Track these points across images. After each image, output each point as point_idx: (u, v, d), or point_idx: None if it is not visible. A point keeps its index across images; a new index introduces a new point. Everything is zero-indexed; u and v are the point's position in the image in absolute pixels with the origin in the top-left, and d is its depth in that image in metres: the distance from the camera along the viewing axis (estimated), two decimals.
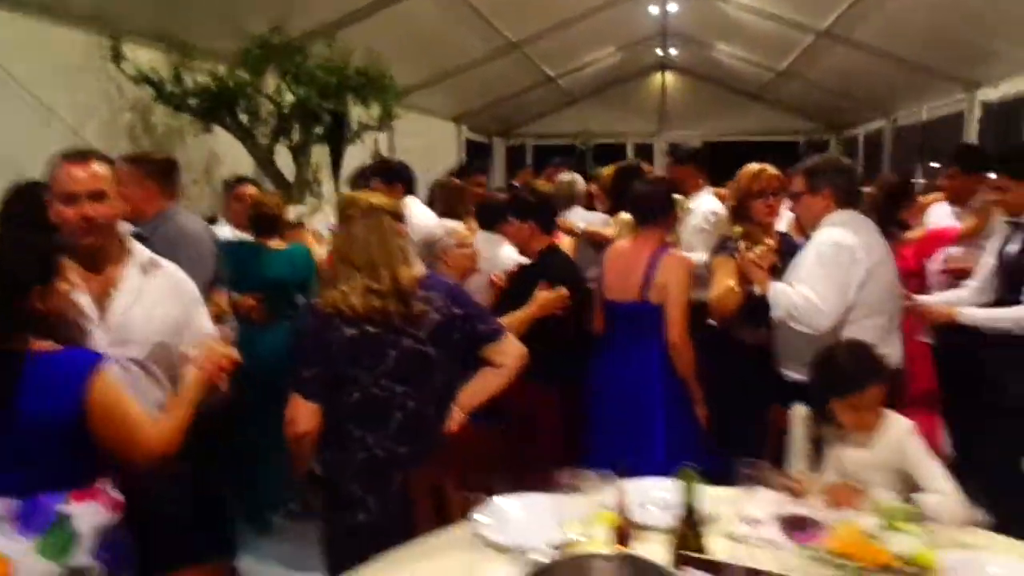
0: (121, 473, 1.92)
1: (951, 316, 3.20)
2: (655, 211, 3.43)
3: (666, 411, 3.25)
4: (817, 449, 2.36)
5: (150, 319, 2.19)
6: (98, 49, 5.00)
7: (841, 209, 2.96)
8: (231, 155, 5.94)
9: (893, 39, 7.46)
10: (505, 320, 2.72)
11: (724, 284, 3.13)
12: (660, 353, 3.25)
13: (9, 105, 4.47)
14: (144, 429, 1.92)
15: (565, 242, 4.24)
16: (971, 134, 7.55)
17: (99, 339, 2.14)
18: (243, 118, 5.50)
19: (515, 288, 3.36)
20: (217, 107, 5.40)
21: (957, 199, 4.18)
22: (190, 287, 2.36)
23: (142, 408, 1.96)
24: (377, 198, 2.39)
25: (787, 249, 3.21)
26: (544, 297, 3.14)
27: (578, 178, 5.48)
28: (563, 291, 3.19)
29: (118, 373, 1.97)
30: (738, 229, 3.32)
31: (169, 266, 2.34)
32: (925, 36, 7.09)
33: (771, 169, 3.34)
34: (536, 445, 2.88)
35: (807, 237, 3.10)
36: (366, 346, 2.19)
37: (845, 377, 2.31)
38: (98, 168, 2.13)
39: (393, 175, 4.81)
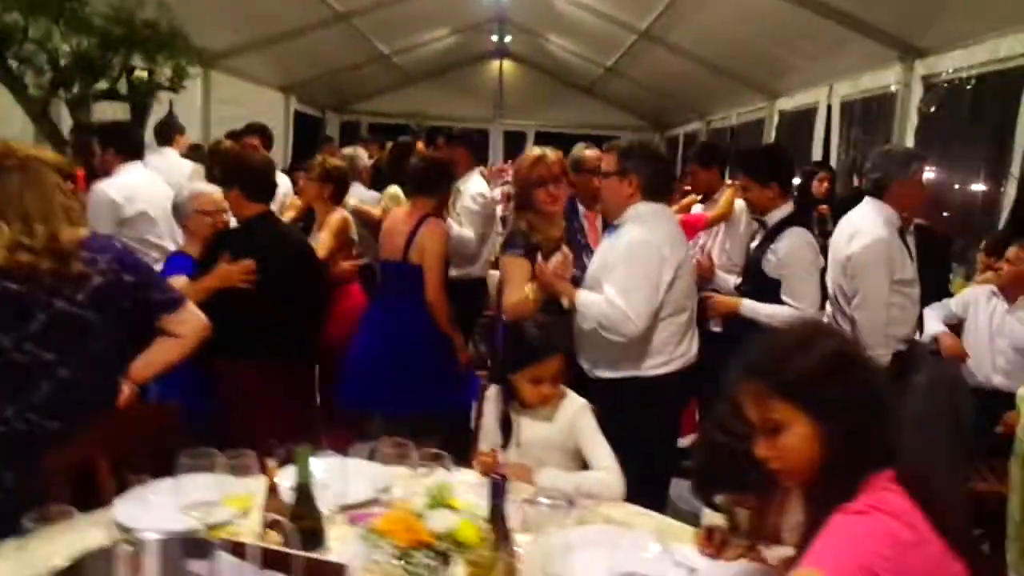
0: None
1: (735, 307, 3.30)
2: (425, 184, 3.69)
3: (427, 357, 3.57)
4: (506, 427, 2.35)
5: None
6: None
7: (646, 200, 2.84)
8: (6, 108, 5.33)
9: (705, 46, 7.88)
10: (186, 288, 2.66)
11: (519, 292, 2.93)
12: (419, 307, 3.56)
13: None
14: None
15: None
16: (770, 137, 8.15)
17: None
18: (12, 64, 4.93)
19: (208, 255, 3.21)
20: None
21: (702, 192, 4.45)
22: None
23: None
24: (41, 152, 2.16)
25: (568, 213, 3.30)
26: (224, 269, 3.02)
27: (361, 153, 5.53)
28: (247, 263, 3.02)
29: None
30: (522, 224, 3.13)
31: None
32: (733, 46, 7.54)
33: (552, 154, 3.22)
34: (241, 426, 2.73)
35: (607, 223, 3.06)
36: (8, 306, 1.96)
37: (525, 349, 2.31)
38: None
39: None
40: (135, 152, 4.07)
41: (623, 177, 2.83)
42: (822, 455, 1.32)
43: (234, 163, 3.62)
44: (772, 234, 3.29)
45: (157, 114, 5.93)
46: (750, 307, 3.28)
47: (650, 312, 2.71)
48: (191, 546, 1.45)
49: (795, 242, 3.21)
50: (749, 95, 8.61)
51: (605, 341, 2.75)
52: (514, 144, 12.65)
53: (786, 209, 3.34)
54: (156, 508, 1.76)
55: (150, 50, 5.14)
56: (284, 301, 3.08)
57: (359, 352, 3.68)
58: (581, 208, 3.74)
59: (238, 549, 1.45)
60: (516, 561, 1.55)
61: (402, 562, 1.52)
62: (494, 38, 11.50)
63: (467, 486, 1.84)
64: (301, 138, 10.71)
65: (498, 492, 1.55)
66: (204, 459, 1.69)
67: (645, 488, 2.23)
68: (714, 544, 1.66)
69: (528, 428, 2.34)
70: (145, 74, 5.39)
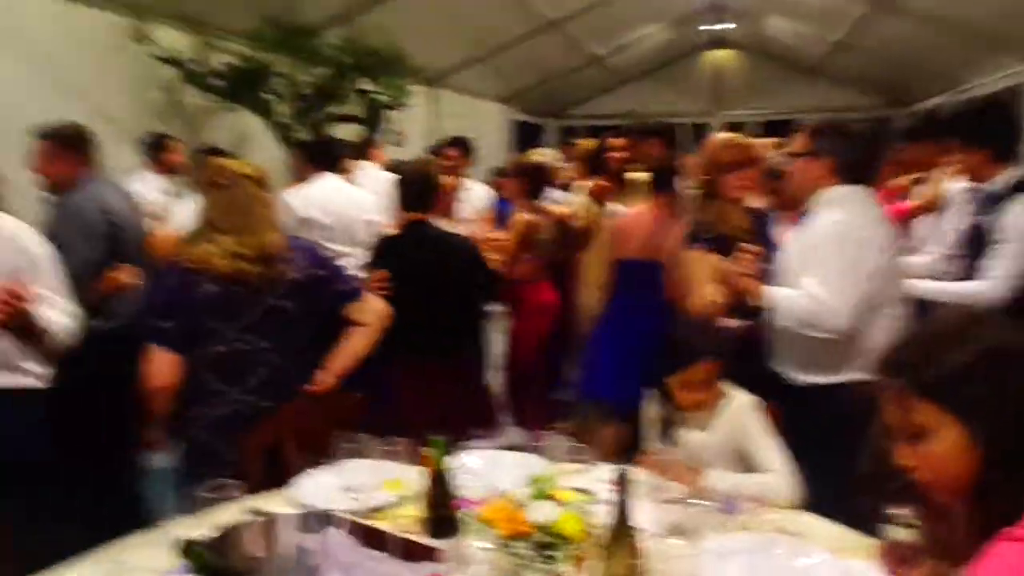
0: None
1: None
2: (663, 182, 3.66)
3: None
4: (667, 430, 2.25)
5: None
6: (124, 30, 5.22)
7: (843, 183, 2.56)
8: (259, 133, 6.12)
9: (949, 4, 7.05)
10: None
11: (705, 292, 2.75)
12: (659, 304, 3.34)
13: (37, 83, 4.72)
14: None
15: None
16: None
17: None
18: (265, 98, 5.66)
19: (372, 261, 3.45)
20: (240, 87, 5.58)
21: (910, 172, 3.92)
22: (32, 252, 2.39)
23: None
24: (245, 167, 2.46)
25: (759, 227, 2.99)
26: None
27: (553, 154, 5.61)
28: (381, 274, 3.17)
29: None
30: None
31: (6, 228, 2.38)
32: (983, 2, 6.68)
33: (742, 138, 3.12)
34: (397, 416, 2.87)
35: (794, 207, 2.88)
36: (229, 302, 2.26)
37: (672, 357, 2.21)
38: None
39: None
40: (326, 164, 4.46)
41: (815, 158, 2.59)
42: (976, 466, 1.13)
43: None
44: (989, 203, 2.88)
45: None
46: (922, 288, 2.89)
47: (857, 302, 2.41)
48: (307, 521, 1.59)
49: (1019, 212, 2.79)
50: (1005, 59, 7.58)
51: (809, 342, 2.48)
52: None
53: (1009, 175, 2.90)
54: (324, 489, 1.94)
55: (375, 74, 5.64)
56: (435, 302, 3.21)
57: (599, 346, 3.74)
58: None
59: (345, 526, 1.57)
60: (639, 560, 1.47)
61: (505, 551, 1.53)
62: (709, 27, 11.14)
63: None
64: (522, 147, 11.11)
65: (620, 486, 1.49)
66: (363, 445, 1.85)
67: (845, 504, 2.02)
68: (895, 560, 1.48)
69: (687, 431, 2.26)
70: (379, 96, 5.93)
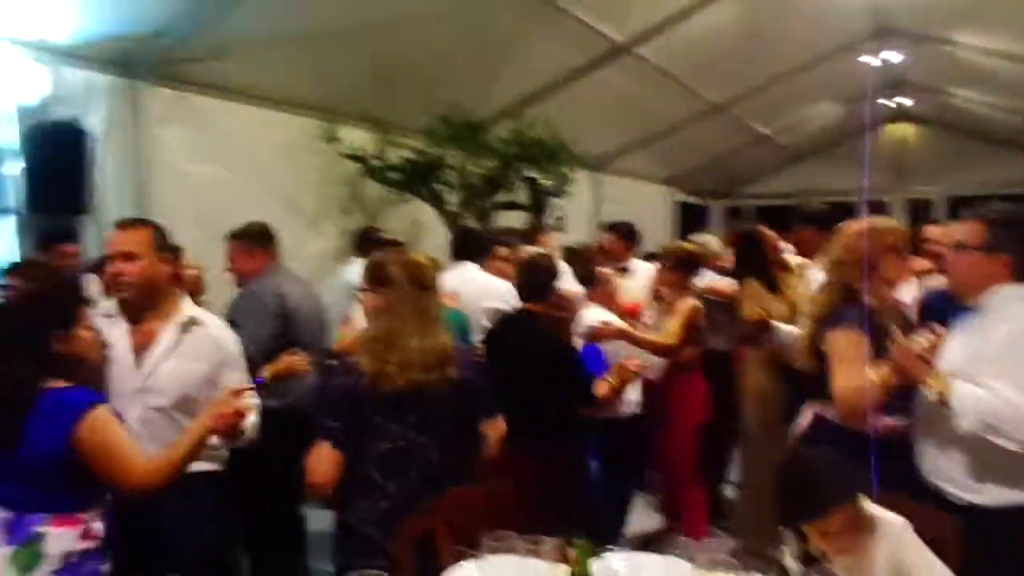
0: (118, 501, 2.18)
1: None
2: None
3: None
4: (808, 564, 1.90)
5: (178, 373, 2.42)
6: (317, 131, 5.76)
7: (1019, 283, 2.31)
8: (433, 222, 6.48)
9: None
10: None
11: (857, 376, 2.43)
12: None
13: (243, 183, 5.29)
14: (133, 464, 2.10)
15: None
16: None
17: (129, 385, 2.40)
18: (437, 188, 6.02)
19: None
20: (414, 179, 5.96)
21: None
22: (226, 346, 2.54)
23: (134, 447, 2.13)
24: (415, 260, 2.53)
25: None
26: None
27: (712, 240, 5.46)
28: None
29: (109, 414, 2.11)
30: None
31: (211, 325, 2.54)
32: None
33: (894, 223, 2.94)
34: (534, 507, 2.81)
35: (957, 302, 2.45)
36: (400, 405, 2.31)
37: (801, 502, 1.86)
38: (133, 234, 2.41)
39: None
40: (466, 254, 4.60)
41: (991, 254, 2.32)
42: None
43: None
44: None
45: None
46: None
47: None
48: None
49: None
50: None
51: (993, 454, 2.18)
52: (920, 213, 11.41)
53: None
54: None
55: (540, 163, 5.86)
56: (525, 389, 3.22)
57: None
58: None
59: None
60: None
61: None
62: (887, 102, 10.65)
63: None
64: (687, 228, 10.99)
65: None
66: (510, 541, 1.85)
67: None
68: None
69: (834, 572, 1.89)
70: (544, 184, 6.15)
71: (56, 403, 2.04)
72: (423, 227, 6.63)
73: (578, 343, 3.82)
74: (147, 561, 2.36)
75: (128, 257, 2.38)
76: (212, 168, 5.18)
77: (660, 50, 6.78)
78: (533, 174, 6.21)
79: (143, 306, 2.43)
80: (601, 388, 3.36)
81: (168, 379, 2.41)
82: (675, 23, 6.30)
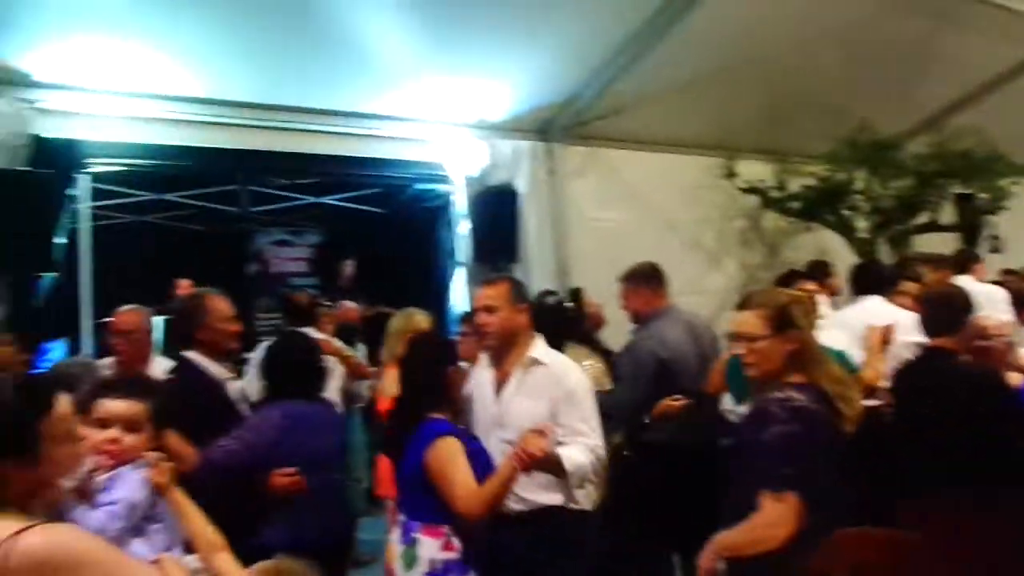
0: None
1: None
2: None
3: None
4: None
5: (522, 410, 2.58)
6: (715, 169, 5.88)
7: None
8: (840, 251, 6.12)
9: None
10: None
11: None
12: None
13: (644, 221, 5.64)
14: (459, 492, 2.32)
15: None
16: None
17: (488, 421, 2.65)
18: (844, 214, 5.69)
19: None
20: (817, 207, 5.72)
21: None
22: (567, 384, 2.60)
23: (467, 476, 2.34)
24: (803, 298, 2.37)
25: None
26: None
27: None
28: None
29: (454, 445, 2.39)
30: None
31: (553, 365, 2.64)
32: None
33: None
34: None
35: None
36: (844, 446, 2.15)
37: None
38: (493, 289, 2.67)
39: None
40: (865, 287, 4.12)
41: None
42: None
43: None
44: None
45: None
46: None
47: None
48: None
49: None
50: None
51: None
52: None
53: None
54: None
55: (966, 177, 5.18)
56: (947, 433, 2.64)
57: None
58: None
59: None
60: None
61: None
62: None
63: None
64: None
65: None
66: None
67: None
68: None
69: None
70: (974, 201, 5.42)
71: (427, 429, 2.45)
72: (829, 256, 6.28)
73: (1015, 379, 3.28)
74: None
75: (488, 310, 2.69)
76: (618, 214, 5.62)
77: None
78: (962, 191, 5.52)
79: (502, 350, 2.71)
80: None
81: (515, 415, 2.61)
82: None
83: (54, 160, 4.23)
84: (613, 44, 4.69)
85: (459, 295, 5.72)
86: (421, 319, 3.97)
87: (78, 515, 1.54)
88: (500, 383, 2.70)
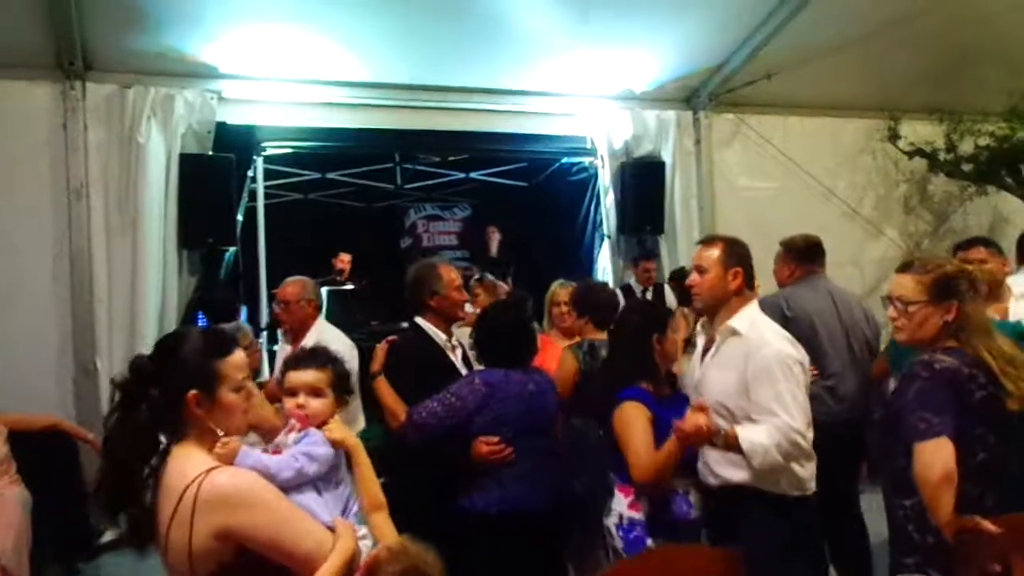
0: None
1: None
2: None
3: None
4: None
5: (714, 380, 2.51)
6: (876, 132, 5.56)
7: None
8: (1018, 215, 5.64)
9: None
10: None
11: None
12: None
13: (794, 192, 5.44)
14: (633, 457, 2.41)
15: None
16: None
17: (691, 386, 2.63)
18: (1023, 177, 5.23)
19: None
20: (994, 168, 5.29)
21: None
22: (760, 359, 2.41)
23: (645, 442, 2.40)
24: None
25: None
26: None
27: None
28: None
29: (636, 410, 2.45)
30: None
31: (750, 337, 2.48)
32: None
33: None
34: None
35: None
36: (997, 407, 2.03)
37: None
38: (706, 250, 2.59)
39: None
40: None
41: None
42: None
43: None
44: None
45: None
46: None
47: None
48: None
49: None
50: None
51: None
52: None
53: None
54: None
55: None
56: None
57: None
58: None
59: None
60: None
61: None
62: None
63: None
64: None
65: None
66: None
67: None
68: None
69: None
70: None
71: (622, 395, 2.53)
72: (1007, 221, 5.80)
73: None
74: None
75: (700, 270, 2.60)
76: (769, 183, 5.47)
77: None
78: None
79: (711, 314, 2.63)
80: None
81: (709, 385, 2.54)
82: None
83: (234, 144, 4.69)
84: (763, 6, 4.53)
85: (605, 268, 5.76)
86: (560, 290, 3.94)
87: (263, 462, 1.72)
88: (707, 349, 2.64)
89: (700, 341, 2.73)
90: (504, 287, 4.90)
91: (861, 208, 5.69)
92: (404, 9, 4.19)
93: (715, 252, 2.58)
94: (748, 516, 2.43)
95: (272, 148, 5.37)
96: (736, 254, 2.60)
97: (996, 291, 3.21)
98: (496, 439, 2.65)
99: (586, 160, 5.91)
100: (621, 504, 2.52)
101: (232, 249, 4.88)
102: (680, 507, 2.50)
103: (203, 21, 4.10)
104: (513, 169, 7.99)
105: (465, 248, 9.44)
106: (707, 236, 2.92)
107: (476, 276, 4.90)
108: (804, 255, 3.61)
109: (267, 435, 1.95)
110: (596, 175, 5.66)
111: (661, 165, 5.25)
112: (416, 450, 2.69)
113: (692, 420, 2.27)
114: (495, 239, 8.27)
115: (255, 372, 3.65)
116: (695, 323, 3.09)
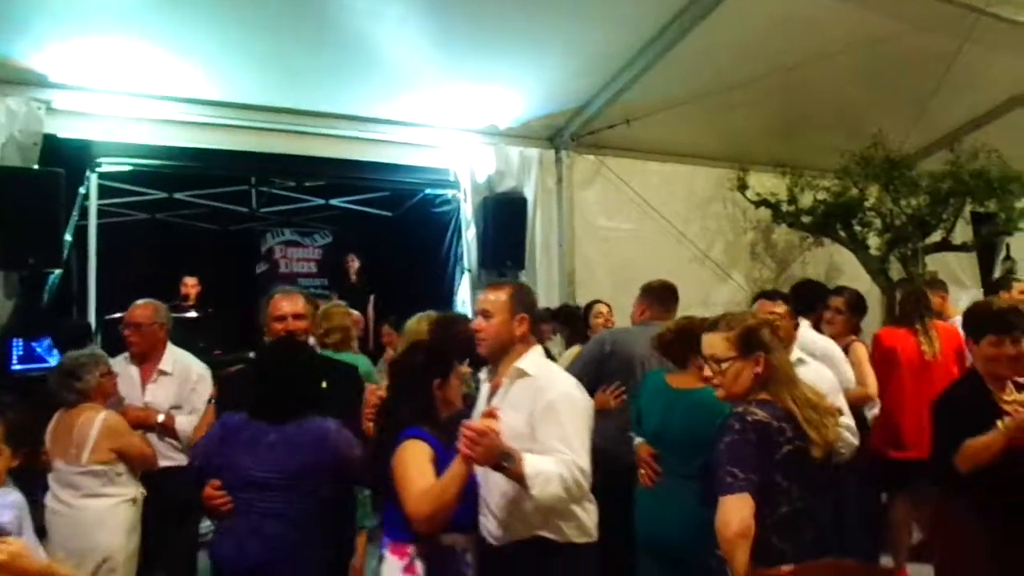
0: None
1: None
2: None
3: None
4: None
5: (503, 423, 2.25)
6: (727, 181, 5.84)
7: None
8: (848, 266, 6.07)
9: None
10: None
11: None
12: None
13: (649, 233, 5.61)
14: (412, 491, 2.12)
15: None
16: None
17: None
18: (857, 230, 5.63)
19: None
20: (829, 222, 5.67)
21: None
22: (547, 398, 2.39)
23: (422, 477, 2.14)
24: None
25: None
26: None
27: None
28: None
29: (417, 447, 2.19)
30: None
31: (539, 376, 2.46)
32: None
33: None
34: None
35: None
36: (802, 459, 2.13)
37: None
38: (493, 294, 2.52)
39: None
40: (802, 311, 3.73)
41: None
42: None
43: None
44: None
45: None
46: None
47: None
48: None
49: None
50: None
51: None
52: None
53: None
54: None
55: (982, 197, 5.11)
56: None
57: None
58: None
59: None
60: None
61: None
62: None
63: None
64: None
65: None
66: None
67: None
68: None
69: None
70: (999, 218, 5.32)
71: (401, 436, 2.26)
72: (840, 272, 6.23)
73: None
74: None
75: (485, 315, 2.54)
76: (625, 223, 5.60)
77: None
78: (976, 210, 5.46)
79: (497, 359, 2.57)
80: None
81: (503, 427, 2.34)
82: None
83: (65, 159, 4.28)
84: (625, 53, 4.66)
85: (465, 301, 5.70)
86: (426, 326, 3.83)
87: None
88: (493, 393, 2.57)
89: (484, 389, 2.63)
90: (357, 315, 4.73)
91: (711, 252, 5.94)
92: (258, 28, 3.98)
93: (502, 296, 2.52)
94: (532, 570, 2.35)
95: (109, 164, 4.95)
96: (523, 301, 2.56)
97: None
98: (218, 484, 2.42)
99: (449, 193, 5.85)
100: (393, 570, 2.22)
101: (57, 271, 4.44)
102: (461, 570, 2.30)
103: (31, 26, 3.72)
104: (376, 198, 7.82)
105: (324, 276, 9.12)
106: (494, 280, 2.89)
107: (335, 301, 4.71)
108: (657, 298, 3.67)
109: None
110: (459, 208, 5.61)
111: (523, 201, 5.26)
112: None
113: (483, 422, 2.13)
114: (354, 267, 8.06)
115: (111, 396, 3.36)
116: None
